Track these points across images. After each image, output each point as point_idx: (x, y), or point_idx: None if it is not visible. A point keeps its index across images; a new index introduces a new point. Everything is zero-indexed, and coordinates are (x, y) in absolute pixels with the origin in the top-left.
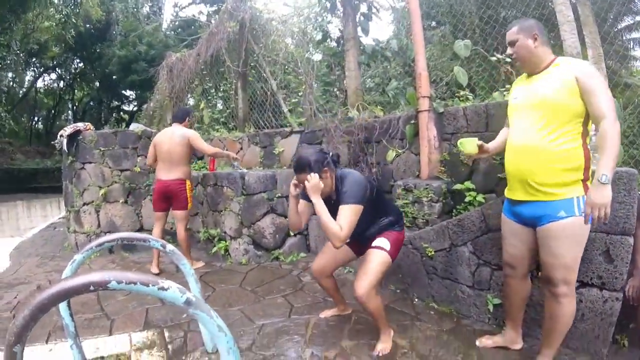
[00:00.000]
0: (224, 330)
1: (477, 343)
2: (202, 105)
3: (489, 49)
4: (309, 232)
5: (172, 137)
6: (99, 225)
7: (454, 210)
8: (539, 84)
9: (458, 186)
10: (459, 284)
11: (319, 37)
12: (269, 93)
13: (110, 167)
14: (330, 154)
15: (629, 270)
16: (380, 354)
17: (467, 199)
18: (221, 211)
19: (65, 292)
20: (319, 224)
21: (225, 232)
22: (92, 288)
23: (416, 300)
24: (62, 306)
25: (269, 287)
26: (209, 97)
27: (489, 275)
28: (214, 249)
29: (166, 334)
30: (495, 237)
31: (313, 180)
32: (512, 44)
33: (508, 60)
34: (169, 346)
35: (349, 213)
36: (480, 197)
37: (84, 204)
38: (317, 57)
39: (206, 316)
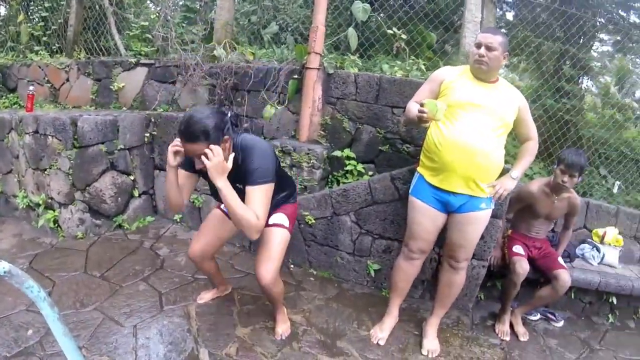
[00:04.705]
0: None
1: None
2: (20, 18)
3: (386, 20)
4: (155, 192)
5: None
6: None
7: (330, 176)
8: (496, 97)
9: (338, 153)
10: (339, 250)
11: None
12: (111, 9)
13: None
14: (229, 114)
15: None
16: (284, 337)
17: (347, 168)
18: (45, 169)
19: None
20: (229, 212)
21: (52, 198)
22: None
23: (292, 266)
24: None
25: (122, 269)
26: (32, 8)
27: (370, 244)
28: (40, 222)
29: None
30: (379, 209)
31: (217, 157)
32: (489, 49)
33: (403, 37)
34: None
35: (262, 196)
36: (360, 167)
37: None
38: None
39: None
